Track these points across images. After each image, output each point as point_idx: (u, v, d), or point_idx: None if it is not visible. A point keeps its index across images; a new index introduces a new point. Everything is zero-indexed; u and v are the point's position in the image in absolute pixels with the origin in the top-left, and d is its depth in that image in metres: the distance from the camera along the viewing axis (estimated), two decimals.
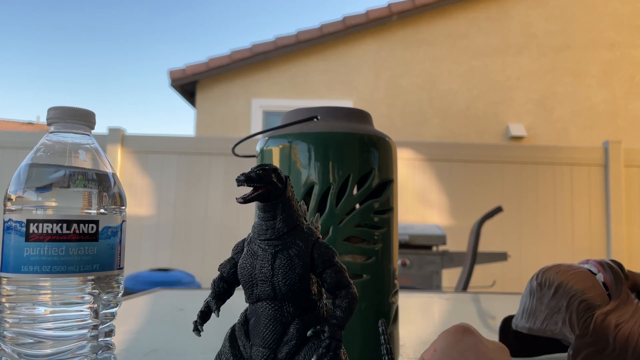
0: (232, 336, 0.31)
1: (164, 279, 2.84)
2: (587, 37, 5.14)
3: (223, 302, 0.32)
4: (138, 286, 2.64)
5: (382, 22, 5.23)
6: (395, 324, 0.49)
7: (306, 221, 0.32)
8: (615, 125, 4.98)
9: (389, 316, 0.47)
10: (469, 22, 5.25)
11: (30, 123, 11.35)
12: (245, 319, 0.31)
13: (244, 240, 0.32)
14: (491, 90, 5.13)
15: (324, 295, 0.32)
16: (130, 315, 0.77)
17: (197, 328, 0.31)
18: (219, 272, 0.33)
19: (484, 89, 5.14)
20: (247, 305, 0.32)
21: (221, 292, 0.32)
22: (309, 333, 0.29)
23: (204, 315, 0.31)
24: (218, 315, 0.31)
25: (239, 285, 0.32)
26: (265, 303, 0.30)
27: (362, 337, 0.45)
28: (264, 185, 0.29)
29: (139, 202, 3.51)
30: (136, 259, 3.39)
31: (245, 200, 0.29)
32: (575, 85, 5.09)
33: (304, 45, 5.21)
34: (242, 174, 0.29)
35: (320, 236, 0.31)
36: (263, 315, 0.29)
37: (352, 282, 0.30)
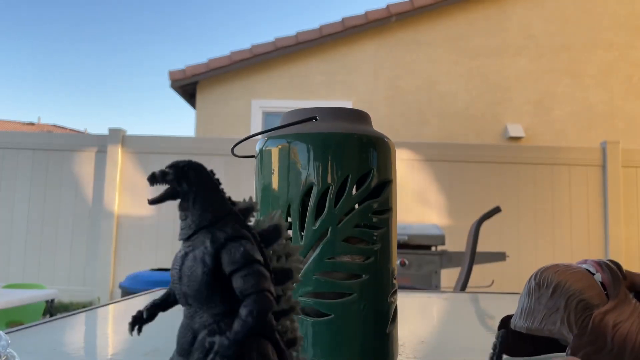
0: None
1: (164, 279, 2.84)
2: (585, 38, 5.15)
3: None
4: (138, 286, 2.64)
5: (381, 24, 5.24)
6: (394, 324, 0.49)
7: (242, 218, 0.29)
8: (613, 125, 4.99)
9: (388, 316, 0.47)
10: (468, 24, 5.26)
11: (31, 123, 11.33)
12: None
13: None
14: (490, 91, 5.14)
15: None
16: (131, 315, 0.77)
17: None
18: None
19: (483, 90, 5.14)
20: None
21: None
22: (195, 345, 0.26)
23: None
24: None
25: None
26: (184, 309, 0.28)
27: (363, 337, 0.45)
28: (169, 182, 0.28)
29: (139, 202, 3.51)
30: (136, 259, 3.39)
31: (153, 201, 0.28)
32: (573, 86, 5.10)
33: (303, 47, 5.22)
34: (152, 172, 0.28)
35: (254, 236, 0.28)
36: (182, 321, 0.28)
37: (266, 289, 0.26)
